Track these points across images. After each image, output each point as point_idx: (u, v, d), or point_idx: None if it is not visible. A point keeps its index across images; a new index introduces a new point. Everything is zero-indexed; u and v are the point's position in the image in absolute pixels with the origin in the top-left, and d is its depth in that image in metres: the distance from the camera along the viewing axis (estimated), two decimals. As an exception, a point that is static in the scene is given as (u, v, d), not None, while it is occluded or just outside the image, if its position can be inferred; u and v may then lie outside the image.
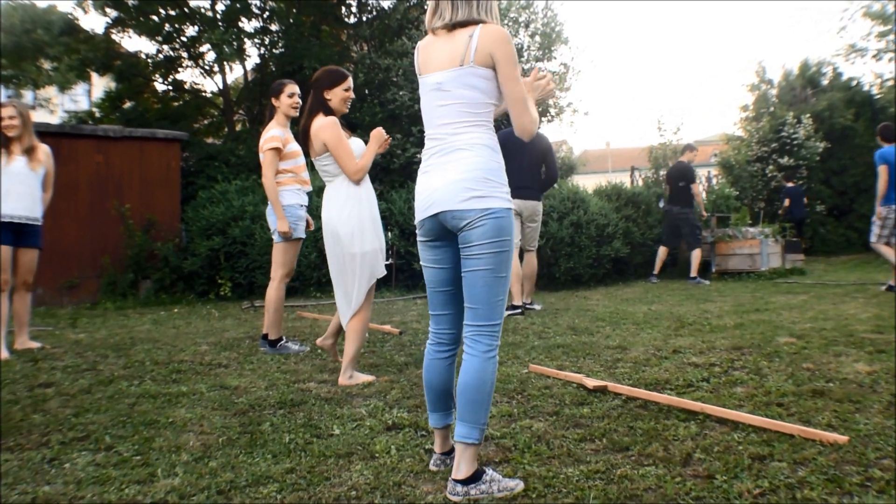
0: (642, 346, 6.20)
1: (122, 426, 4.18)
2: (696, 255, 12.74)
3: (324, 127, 5.17)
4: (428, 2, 3.28)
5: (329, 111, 5.30)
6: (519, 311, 8.72)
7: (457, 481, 3.07)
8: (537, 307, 9.17)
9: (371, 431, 3.99)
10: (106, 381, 5.34)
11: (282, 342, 6.36)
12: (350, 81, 5.47)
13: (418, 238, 3.32)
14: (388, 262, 11.95)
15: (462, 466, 3.08)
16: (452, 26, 3.15)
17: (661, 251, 13.14)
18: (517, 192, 8.98)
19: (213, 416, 4.38)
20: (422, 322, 8.08)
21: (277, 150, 6.26)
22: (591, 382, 4.82)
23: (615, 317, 8.15)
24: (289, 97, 6.40)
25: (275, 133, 6.29)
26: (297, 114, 6.36)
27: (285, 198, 6.33)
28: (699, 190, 12.70)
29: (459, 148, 3.13)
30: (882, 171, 10.44)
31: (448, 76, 3.14)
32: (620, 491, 3.06)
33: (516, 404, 4.50)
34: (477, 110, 3.14)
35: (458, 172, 3.09)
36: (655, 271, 13.11)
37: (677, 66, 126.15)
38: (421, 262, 3.37)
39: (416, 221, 3.29)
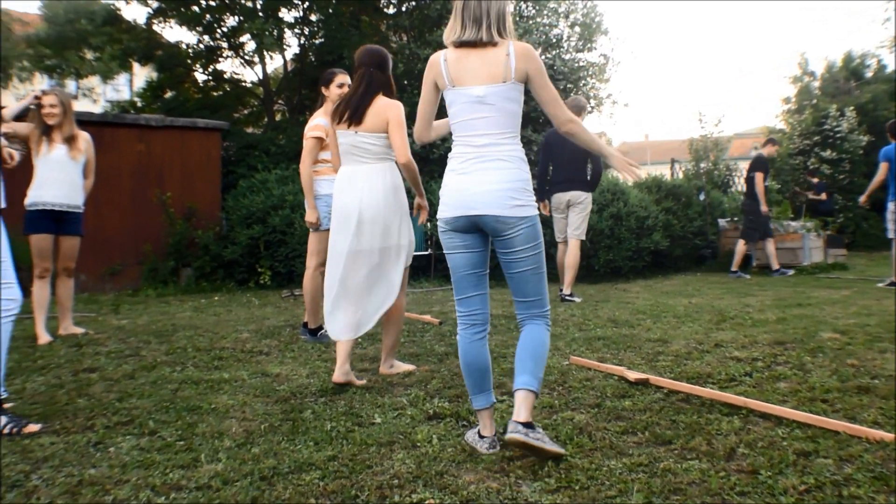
0: (683, 340, 6.14)
1: (166, 411, 4.23)
2: (739, 249, 12.57)
3: (393, 106, 4.88)
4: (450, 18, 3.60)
5: (392, 93, 5.03)
6: (565, 298, 8.96)
7: (519, 423, 3.34)
8: (577, 300, 9.12)
9: (412, 420, 4.00)
10: (149, 367, 5.40)
11: (322, 331, 6.37)
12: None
13: (445, 229, 3.61)
14: (426, 252, 12.08)
15: (523, 411, 3.39)
16: (480, 43, 3.48)
17: (740, 245, 12.84)
18: (561, 185, 9.21)
19: (255, 402, 4.41)
20: (461, 312, 8.04)
21: (319, 140, 6.25)
22: (633, 375, 4.78)
23: (655, 310, 8.08)
24: (338, 87, 6.32)
25: (320, 122, 6.26)
26: None
27: (322, 187, 6.31)
28: (760, 181, 12.46)
29: (500, 158, 3.48)
30: (883, 167, 10.51)
31: (492, 90, 3.47)
32: (664, 484, 3.03)
33: (557, 395, 4.48)
34: (514, 122, 3.53)
35: (501, 182, 3.45)
36: (734, 267, 12.65)
37: (715, 58, 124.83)
38: (446, 251, 3.67)
39: (447, 217, 3.57)
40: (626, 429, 3.79)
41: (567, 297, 9.07)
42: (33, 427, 3.90)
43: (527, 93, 3.60)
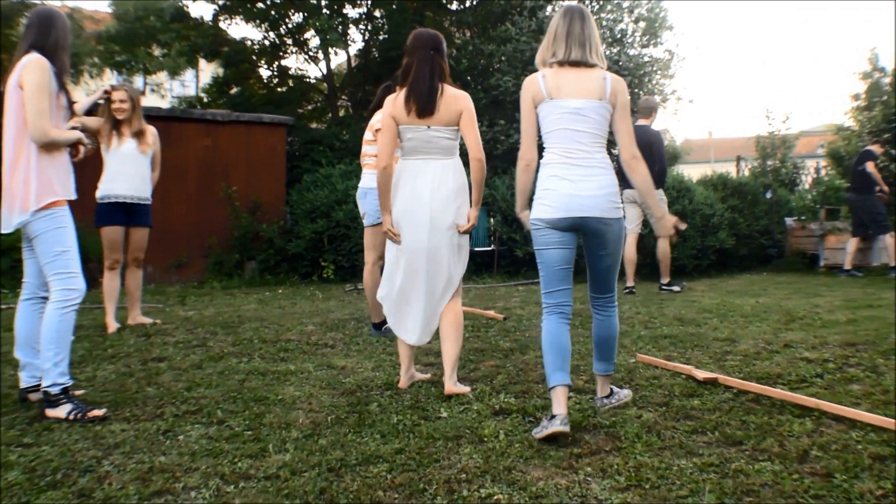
0: (751, 340, 6.04)
1: (233, 401, 4.27)
2: (889, 242, 12.15)
3: (466, 98, 4.54)
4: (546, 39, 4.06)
5: (451, 82, 4.65)
6: (631, 291, 9.53)
7: (602, 397, 4.22)
8: (676, 289, 9.80)
9: (478, 415, 3.98)
10: (216, 358, 5.46)
11: (386, 325, 6.36)
12: None
13: (544, 227, 3.92)
14: (489, 248, 12.05)
15: (605, 388, 4.24)
16: (583, 64, 3.93)
17: (851, 243, 12.52)
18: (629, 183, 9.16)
19: (322, 394, 4.43)
20: (525, 308, 8.03)
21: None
22: (701, 374, 4.73)
23: (722, 309, 7.96)
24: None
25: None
26: None
27: (371, 181, 6.24)
28: (873, 167, 12.19)
29: (598, 166, 3.91)
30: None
31: (588, 105, 3.89)
32: (736, 485, 2.98)
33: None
34: (603, 136, 3.96)
35: (602, 187, 3.89)
36: (847, 265, 12.33)
37: (782, 53, 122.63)
38: (543, 247, 3.97)
39: (553, 218, 3.88)
40: (696, 428, 3.75)
41: (665, 287, 9.88)
42: (97, 412, 3.97)
43: None
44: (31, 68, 3.98)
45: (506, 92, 13.72)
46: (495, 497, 2.91)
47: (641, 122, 9.57)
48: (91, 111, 6.73)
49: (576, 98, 3.89)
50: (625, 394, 4.28)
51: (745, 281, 11.59)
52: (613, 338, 4.19)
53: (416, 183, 4.58)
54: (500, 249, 12.28)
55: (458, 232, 4.64)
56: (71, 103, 4.32)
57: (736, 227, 13.31)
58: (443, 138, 4.54)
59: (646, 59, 15.52)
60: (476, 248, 12.24)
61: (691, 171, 16.91)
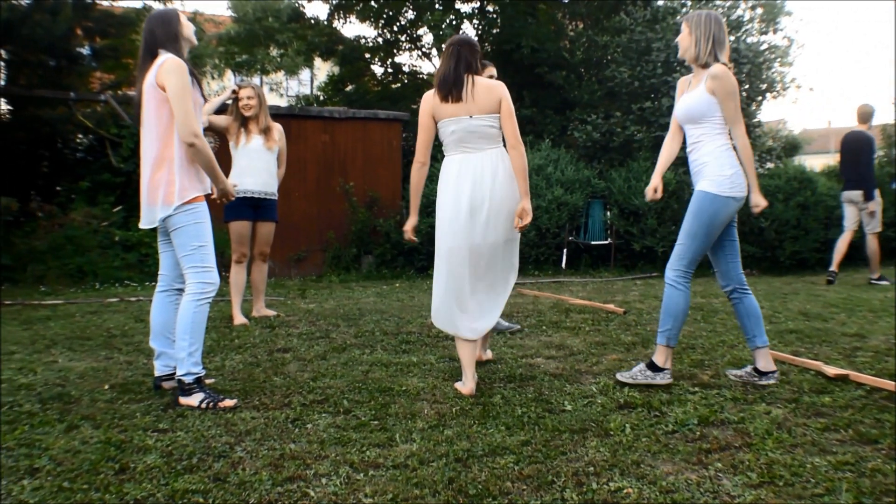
0: (882, 335, 5.83)
1: (358, 391, 4.32)
2: None
3: (502, 86, 4.50)
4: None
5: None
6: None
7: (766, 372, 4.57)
8: (885, 282, 9.96)
9: (603, 409, 3.94)
10: (339, 349, 5.54)
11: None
12: None
13: (732, 208, 4.42)
14: (606, 242, 11.94)
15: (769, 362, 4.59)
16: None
17: None
18: (847, 184, 10.26)
19: (445, 386, 4.44)
20: (644, 302, 7.91)
21: None
22: (832, 370, 4.60)
23: (849, 303, 7.71)
24: (489, 77, 6.24)
25: None
26: None
27: None
28: None
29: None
30: None
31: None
32: (874, 485, 2.89)
33: (751, 389, 4.36)
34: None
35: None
36: None
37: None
38: (721, 227, 4.44)
39: (741, 196, 4.42)
40: (828, 426, 3.64)
41: (875, 281, 10.11)
42: (228, 402, 4.08)
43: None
44: (171, 70, 4.09)
45: (621, 83, 13.53)
46: (625, 490, 2.88)
47: (859, 127, 10.15)
48: (220, 111, 6.93)
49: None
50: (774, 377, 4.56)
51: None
52: (761, 317, 4.62)
53: (473, 175, 4.43)
54: (616, 243, 12.13)
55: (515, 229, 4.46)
56: (204, 98, 4.45)
57: (861, 220, 12.80)
58: (487, 126, 4.43)
59: (763, 46, 15.07)
60: (593, 242, 12.13)
61: (812, 162, 16.36)
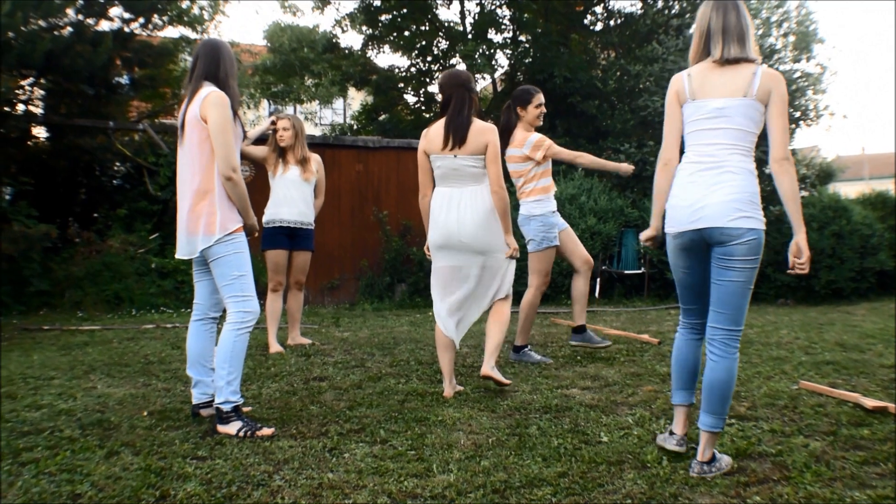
0: (921, 367, 5.77)
1: (395, 421, 4.33)
2: None
3: (492, 130, 4.93)
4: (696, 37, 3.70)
5: (479, 114, 5.09)
6: None
7: (702, 462, 3.46)
8: None
9: (640, 441, 3.92)
10: (375, 378, 5.56)
11: (525, 349, 6.36)
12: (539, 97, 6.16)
13: (673, 244, 3.62)
14: (640, 272, 11.89)
15: (707, 451, 3.48)
16: (726, 62, 3.52)
17: None
18: None
19: (481, 416, 4.44)
20: (679, 333, 7.85)
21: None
22: (870, 403, 4.56)
23: (886, 334, 7.63)
24: (536, 107, 6.25)
25: (541, 136, 6.23)
26: (541, 123, 6.33)
27: (535, 208, 6.28)
28: None
29: (730, 171, 3.45)
30: None
31: (731, 104, 3.48)
32: (915, 519, 2.84)
33: (788, 421, 4.31)
34: (747, 138, 3.50)
35: (728, 193, 3.42)
36: None
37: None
38: (672, 264, 3.71)
39: (675, 231, 3.58)
40: (867, 459, 3.61)
41: None
42: (266, 431, 4.10)
43: None
44: (214, 104, 4.16)
45: (654, 112, 13.55)
46: (665, 524, 2.86)
47: None
48: (261, 140, 7.02)
49: (718, 97, 3.51)
50: (726, 462, 3.52)
51: (909, 305, 11.04)
52: (727, 384, 3.48)
53: (448, 209, 4.96)
54: (650, 272, 12.09)
55: (505, 258, 5.03)
56: (244, 132, 4.52)
57: (897, 249, 12.72)
58: (469, 166, 4.93)
59: (797, 74, 15.05)
60: (626, 272, 12.10)
61: (847, 189, 16.25)
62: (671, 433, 3.78)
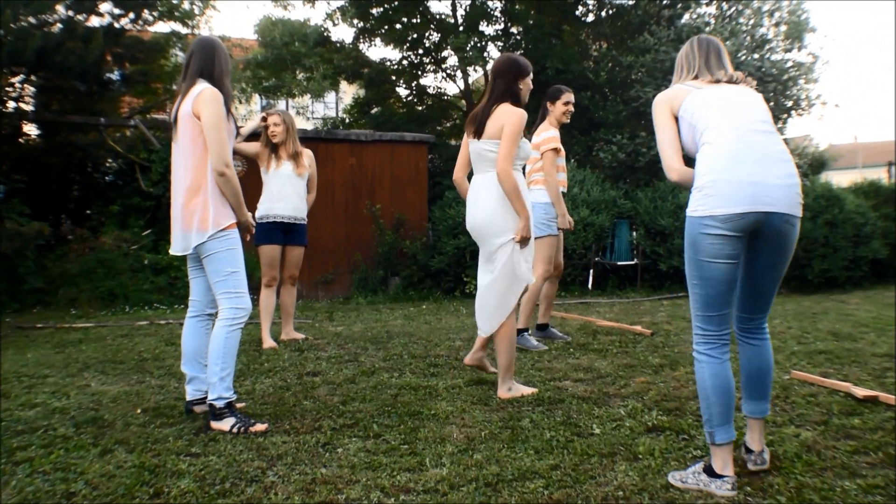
0: (913, 355, 5.80)
1: (388, 415, 4.34)
2: None
3: (511, 113, 4.68)
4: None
5: (519, 102, 4.86)
6: None
7: (759, 453, 3.39)
8: None
9: (632, 432, 3.94)
10: (368, 372, 5.57)
11: (525, 333, 6.41)
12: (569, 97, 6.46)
13: (722, 228, 3.09)
14: (633, 262, 11.92)
15: (761, 438, 3.42)
16: (732, 81, 3.41)
17: None
18: None
19: (474, 409, 4.46)
20: (672, 324, 7.90)
21: (556, 151, 6.44)
22: (861, 392, 4.59)
23: (879, 322, 7.66)
24: (564, 104, 6.60)
25: (555, 134, 6.51)
26: (568, 121, 6.50)
27: (539, 196, 6.43)
28: None
29: (783, 152, 3.18)
30: None
31: (748, 91, 3.38)
32: (905, 508, 2.87)
33: (780, 411, 4.33)
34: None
35: (791, 177, 3.14)
36: None
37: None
38: (711, 259, 3.14)
39: (731, 212, 3.07)
40: (858, 448, 3.63)
41: None
42: (259, 427, 4.11)
43: None
44: (208, 100, 4.17)
45: (646, 103, 13.55)
46: (656, 515, 2.88)
47: None
48: (252, 136, 7.03)
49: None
50: (767, 454, 3.41)
51: (903, 293, 11.09)
52: (770, 368, 3.44)
53: (469, 195, 4.97)
54: (643, 263, 12.11)
55: (516, 244, 4.81)
56: (238, 128, 4.52)
57: (890, 237, 12.79)
58: (487, 150, 4.80)
59: (788, 64, 15.06)
60: (619, 263, 12.12)
61: (839, 179, 16.30)
62: (717, 475, 3.17)
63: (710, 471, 3.19)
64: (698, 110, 3.30)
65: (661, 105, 3.44)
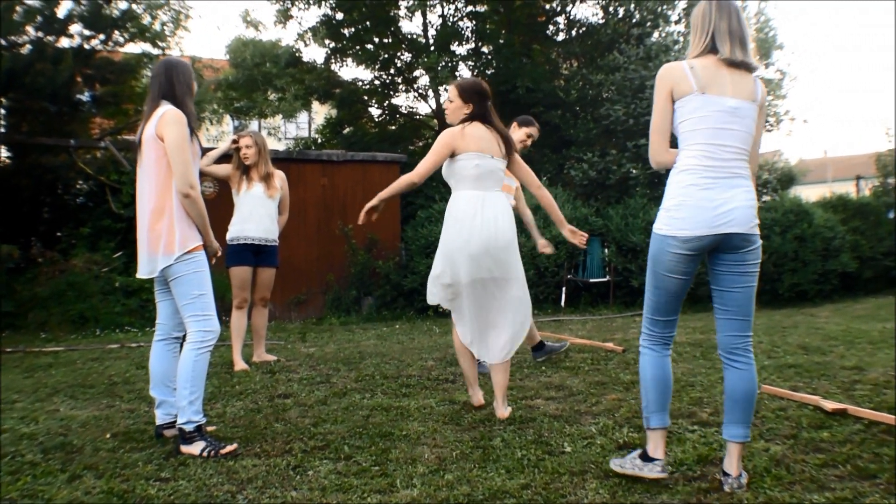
0: (881, 367, 5.86)
1: (359, 437, 4.33)
2: None
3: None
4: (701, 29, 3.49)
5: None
6: None
7: (738, 477, 3.38)
8: None
9: (603, 450, 3.96)
10: (340, 394, 5.56)
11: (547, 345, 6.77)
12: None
13: (681, 251, 3.41)
14: (605, 279, 11.97)
15: (738, 464, 3.41)
16: (732, 63, 3.40)
17: None
18: None
19: (445, 430, 4.46)
20: (643, 340, 7.92)
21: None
22: (830, 405, 4.63)
23: (848, 335, 7.74)
24: (527, 136, 6.66)
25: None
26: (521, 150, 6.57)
27: None
28: None
29: (741, 175, 3.41)
30: None
31: (745, 106, 3.41)
32: (874, 522, 2.89)
33: (751, 426, 4.33)
34: (748, 143, 3.46)
35: (747, 200, 3.38)
36: None
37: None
38: (667, 274, 3.47)
39: (693, 234, 3.36)
40: (826, 461, 3.67)
41: None
42: (229, 448, 4.09)
43: None
44: (170, 122, 4.17)
45: (616, 121, 13.67)
46: (625, 533, 2.90)
47: None
48: (223, 159, 7.02)
49: (733, 97, 3.38)
50: (745, 479, 3.43)
51: (871, 305, 11.22)
52: (754, 393, 3.49)
53: (483, 209, 4.66)
54: (615, 280, 12.17)
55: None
56: (203, 150, 4.52)
57: (859, 250, 12.97)
58: (500, 169, 4.78)
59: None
60: (592, 280, 12.17)
61: (809, 192, 16.47)
62: (649, 458, 3.48)
63: (644, 456, 3.51)
64: (689, 121, 3.43)
65: (664, 84, 3.49)
